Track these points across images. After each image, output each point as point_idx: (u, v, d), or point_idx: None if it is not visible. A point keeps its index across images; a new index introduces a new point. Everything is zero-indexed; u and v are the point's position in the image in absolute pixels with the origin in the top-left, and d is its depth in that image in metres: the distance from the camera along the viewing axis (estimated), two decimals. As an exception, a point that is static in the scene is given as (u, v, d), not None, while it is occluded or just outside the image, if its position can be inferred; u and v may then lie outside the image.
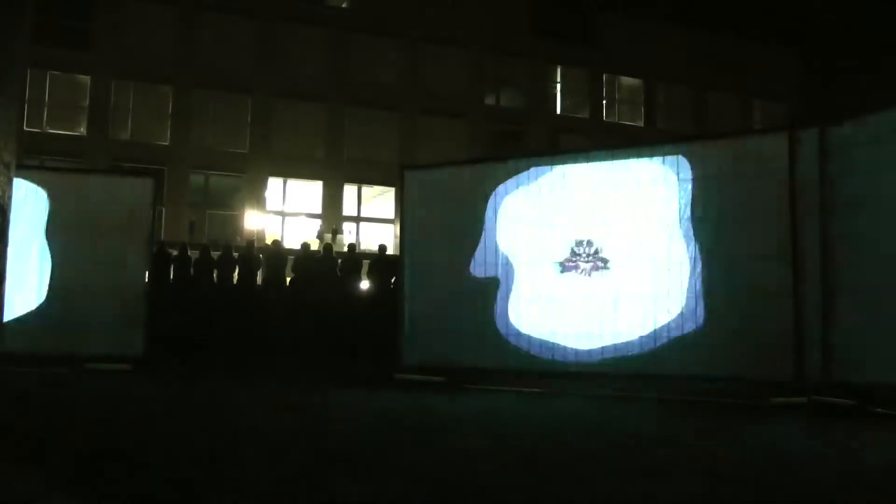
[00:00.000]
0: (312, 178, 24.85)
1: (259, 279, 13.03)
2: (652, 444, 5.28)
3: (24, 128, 21.29)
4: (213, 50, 23.39)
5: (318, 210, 24.97)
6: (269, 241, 20.40)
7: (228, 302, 12.30)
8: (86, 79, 23.04)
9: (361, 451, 4.78)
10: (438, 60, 25.45)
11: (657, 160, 8.58)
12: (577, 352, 8.74)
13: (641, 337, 8.41)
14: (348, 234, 24.34)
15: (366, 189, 25.66)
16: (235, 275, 12.87)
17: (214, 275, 12.71)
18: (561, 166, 9.17)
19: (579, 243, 8.89)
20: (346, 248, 16.21)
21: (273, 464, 4.26)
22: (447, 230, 9.63)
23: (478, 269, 9.40)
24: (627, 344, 8.47)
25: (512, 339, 9.11)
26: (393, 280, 11.38)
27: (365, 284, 13.21)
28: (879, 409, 6.98)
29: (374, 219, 25.74)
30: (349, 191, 25.33)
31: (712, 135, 9.09)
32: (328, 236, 21.68)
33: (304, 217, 25.46)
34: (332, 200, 24.89)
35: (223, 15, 23.51)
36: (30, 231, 10.17)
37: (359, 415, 6.75)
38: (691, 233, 8.29)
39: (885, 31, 22.54)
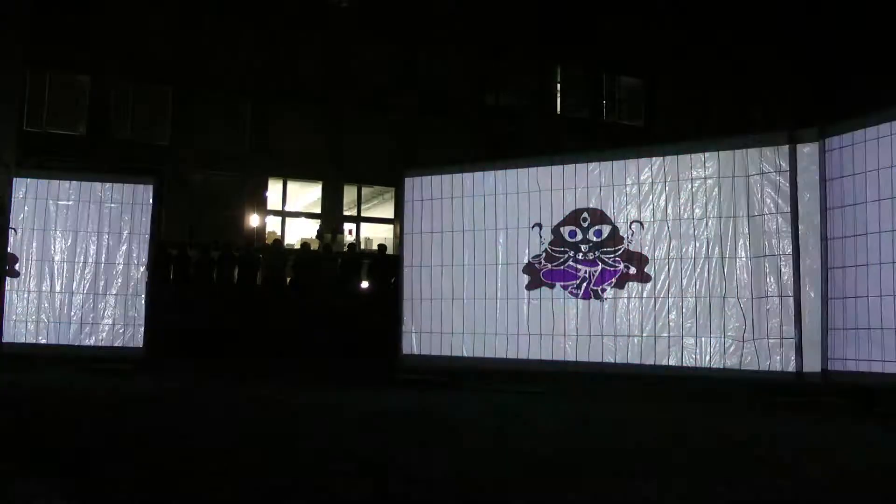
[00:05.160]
0: (312, 178, 24.83)
1: (259, 279, 13.03)
2: (652, 443, 5.29)
3: (24, 128, 21.24)
4: (212, 50, 23.35)
5: (318, 210, 24.96)
6: (269, 241, 20.42)
7: (228, 301, 12.30)
8: (86, 79, 23.02)
9: (361, 450, 4.79)
10: (438, 60, 25.42)
11: (657, 160, 8.59)
12: (577, 351, 8.74)
13: (641, 336, 8.41)
14: (348, 234, 24.32)
15: (366, 189, 25.65)
16: (235, 274, 12.88)
17: (214, 275, 12.71)
18: (560, 166, 9.16)
19: (578, 241, 8.89)
20: (346, 248, 16.22)
21: (273, 463, 4.26)
22: (447, 230, 9.62)
23: (478, 268, 9.40)
24: (627, 343, 8.48)
25: (512, 338, 9.11)
26: (393, 280, 11.38)
27: (365, 284, 13.21)
28: (879, 409, 6.98)
29: (374, 219, 25.74)
30: (349, 191, 25.32)
31: (713, 135, 9.09)
32: (328, 236, 21.65)
33: (304, 217, 25.45)
34: (332, 200, 24.86)
35: (223, 15, 23.48)
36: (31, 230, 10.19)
37: (359, 414, 6.75)
38: (691, 231, 8.29)
39: (885, 31, 22.52)
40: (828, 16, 24.42)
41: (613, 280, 8.67)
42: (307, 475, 3.97)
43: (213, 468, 4.08)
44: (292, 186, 24.89)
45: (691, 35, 26.26)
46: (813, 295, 7.58)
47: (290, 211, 25.06)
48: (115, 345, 10.10)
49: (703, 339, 8.10)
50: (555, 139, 23.71)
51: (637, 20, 25.96)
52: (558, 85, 27.69)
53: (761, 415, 7.06)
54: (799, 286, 7.66)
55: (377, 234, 24.36)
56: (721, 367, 7.98)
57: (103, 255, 10.20)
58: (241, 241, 18.58)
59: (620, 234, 8.67)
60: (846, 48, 24.12)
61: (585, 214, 8.90)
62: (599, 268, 8.76)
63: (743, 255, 8.01)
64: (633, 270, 8.56)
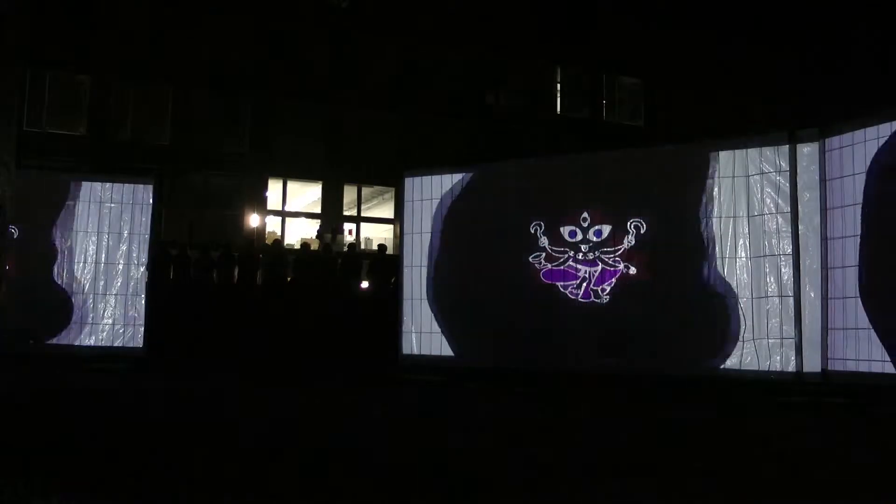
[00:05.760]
0: (312, 178, 24.84)
1: (259, 279, 13.02)
2: (653, 443, 5.29)
3: (24, 128, 21.24)
4: (212, 50, 23.36)
5: (318, 210, 24.96)
6: (269, 241, 20.42)
7: (228, 301, 12.29)
8: (86, 79, 23.02)
9: (361, 449, 4.79)
10: (438, 60, 25.42)
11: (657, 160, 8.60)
12: (577, 351, 8.75)
13: (641, 336, 8.42)
14: (348, 234, 24.32)
15: (366, 189, 25.66)
16: (235, 274, 12.87)
17: (214, 275, 12.71)
18: (560, 165, 9.17)
19: (578, 241, 8.89)
20: (346, 248, 16.22)
21: (272, 462, 4.26)
22: (447, 230, 9.63)
23: (479, 267, 9.40)
24: (627, 343, 8.48)
25: (511, 338, 9.11)
26: (393, 280, 11.38)
27: (365, 284, 13.20)
28: (879, 409, 6.99)
29: (374, 219, 25.74)
30: (349, 191, 25.32)
31: (713, 135, 9.10)
32: (328, 236, 21.66)
33: (304, 217, 25.45)
34: (332, 200, 24.87)
35: (223, 15, 23.48)
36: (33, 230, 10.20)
37: (358, 414, 6.75)
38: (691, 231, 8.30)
39: (885, 30, 22.54)
40: (828, 15, 24.41)
41: (613, 280, 8.67)
42: (307, 475, 3.97)
43: (213, 468, 4.08)
44: (292, 186, 24.89)
45: (691, 35, 26.26)
46: (813, 295, 7.58)
47: (290, 211, 25.07)
48: (115, 345, 10.12)
49: (703, 338, 8.10)
50: (555, 139, 23.75)
51: (637, 20, 25.96)
52: (558, 85, 27.70)
53: (761, 415, 7.06)
54: (799, 286, 7.66)
55: (377, 234, 24.36)
56: (721, 366, 7.99)
57: (103, 255, 10.21)
58: (241, 241, 18.58)
59: (621, 231, 8.67)
60: (846, 48, 24.11)
61: (585, 214, 8.90)
62: (599, 268, 8.76)
63: (743, 255, 8.02)
64: (633, 270, 8.56)
